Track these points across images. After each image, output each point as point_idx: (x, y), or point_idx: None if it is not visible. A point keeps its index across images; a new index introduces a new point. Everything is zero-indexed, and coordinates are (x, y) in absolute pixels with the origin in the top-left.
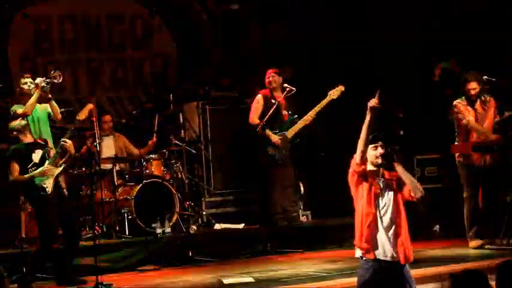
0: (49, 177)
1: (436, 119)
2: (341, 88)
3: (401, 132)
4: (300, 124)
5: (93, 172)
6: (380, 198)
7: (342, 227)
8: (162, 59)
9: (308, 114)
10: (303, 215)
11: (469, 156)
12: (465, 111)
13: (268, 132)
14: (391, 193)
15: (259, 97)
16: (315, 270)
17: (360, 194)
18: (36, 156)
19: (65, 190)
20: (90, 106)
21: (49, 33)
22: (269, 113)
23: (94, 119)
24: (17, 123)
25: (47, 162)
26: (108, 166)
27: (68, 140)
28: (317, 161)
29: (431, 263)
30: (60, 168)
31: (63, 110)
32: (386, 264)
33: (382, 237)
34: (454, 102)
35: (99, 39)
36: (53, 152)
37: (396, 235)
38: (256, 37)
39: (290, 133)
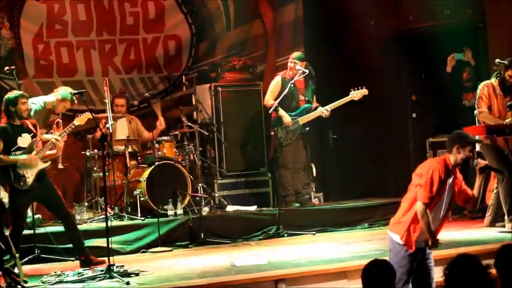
0: (32, 168)
1: (449, 101)
2: (364, 92)
3: (414, 115)
4: (314, 115)
5: (105, 154)
6: (443, 197)
7: (354, 210)
8: (174, 41)
9: (324, 107)
10: (315, 197)
11: (494, 138)
12: (486, 96)
13: (281, 112)
14: (451, 194)
15: (277, 79)
16: (327, 252)
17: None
18: (22, 140)
19: (51, 183)
20: (88, 116)
21: (62, 15)
22: (282, 94)
23: (106, 100)
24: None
25: (34, 152)
26: (121, 148)
27: (60, 140)
28: (329, 142)
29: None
30: (46, 165)
31: (75, 92)
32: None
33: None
34: (482, 84)
35: (111, 21)
36: (40, 145)
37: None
38: (269, 19)
39: (302, 120)
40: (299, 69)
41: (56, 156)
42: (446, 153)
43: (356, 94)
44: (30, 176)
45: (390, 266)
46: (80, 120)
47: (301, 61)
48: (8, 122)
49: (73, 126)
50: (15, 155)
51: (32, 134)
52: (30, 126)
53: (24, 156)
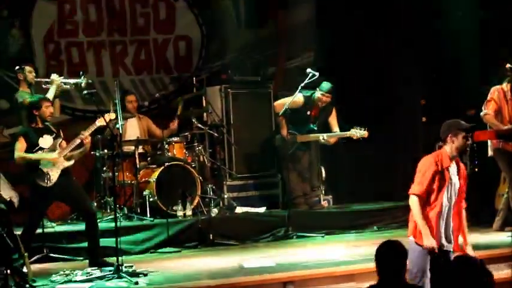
0: (56, 166)
1: (460, 107)
2: (364, 134)
3: (424, 119)
4: (312, 137)
5: (115, 154)
6: (448, 193)
7: (363, 213)
8: (185, 42)
9: (324, 135)
10: (324, 200)
11: (506, 143)
12: (495, 100)
13: (283, 123)
14: (456, 189)
15: (299, 96)
16: (336, 255)
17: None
18: (44, 141)
19: (75, 181)
20: (110, 116)
21: (73, 15)
22: (289, 101)
23: (116, 101)
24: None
25: (57, 151)
26: (131, 148)
27: (86, 134)
28: (339, 145)
29: None
30: (70, 163)
31: (85, 92)
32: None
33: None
34: (494, 88)
35: (122, 21)
36: (64, 144)
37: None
38: (281, 21)
39: (300, 138)
40: (309, 72)
41: (86, 152)
42: (443, 146)
43: (356, 133)
44: (54, 173)
45: (401, 246)
46: (101, 121)
47: (327, 92)
48: (29, 124)
49: (95, 127)
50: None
51: (53, 135)
52: (52, 127)
53: (48, 155)
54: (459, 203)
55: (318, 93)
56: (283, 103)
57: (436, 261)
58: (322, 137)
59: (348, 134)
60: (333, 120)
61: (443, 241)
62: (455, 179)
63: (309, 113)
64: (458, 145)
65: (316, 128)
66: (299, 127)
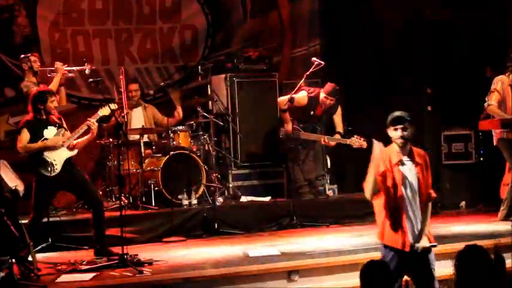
0: (59, 155)
1: (465, 95)
2: (363, 144)
3: (429, 108)
4: (314, 137)
5: (120, 143)
6: (406, 184)
7: (368, 202)
8: (191, 31)
9: (325, 137)
10: (329, 189)
11: (511, 132)
12: (499, 91)
13: (287, 117)
14: (415, 183)
15: (304, 95)
16: (340, 244)
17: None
18: (48, 132)
19: (80, 170)
20: (113, 107)
21: (78, 4)
22: (292, 92)
23: (122, 90)
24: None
25: (60, 139)
26: (136, 137)
27: (95, 122)
28: (344, 134)
29: (454, 240)
30: (73, 152)
31: (90, 80)
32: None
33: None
34: (497, 78)
35: (128, 10)
36: (68, 133)
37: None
38: (286, 10)
39: (303, 135)
40: (315, 61)
41: (92, 139)
42: None
43: (355, 142)
44: (58, 163)
45: (386, 265)
46: (103, 111)
47: (330, 95)
48: (34, 116)
49: (98, 116)
50: None
51: (56, 126)
52: (56, 119)
53: (51, 139)
54: (425, 195)
55: (321, 95)
56: (287, 100)
57: (410, 260)
58: (323, 139)
59: (348, 141)
60: (337, 118)
61: (411, 239)
62: (410, 173)
63: (312, 112)
64: (393, 138)
65: (319, 128)
66: (303, 125)
